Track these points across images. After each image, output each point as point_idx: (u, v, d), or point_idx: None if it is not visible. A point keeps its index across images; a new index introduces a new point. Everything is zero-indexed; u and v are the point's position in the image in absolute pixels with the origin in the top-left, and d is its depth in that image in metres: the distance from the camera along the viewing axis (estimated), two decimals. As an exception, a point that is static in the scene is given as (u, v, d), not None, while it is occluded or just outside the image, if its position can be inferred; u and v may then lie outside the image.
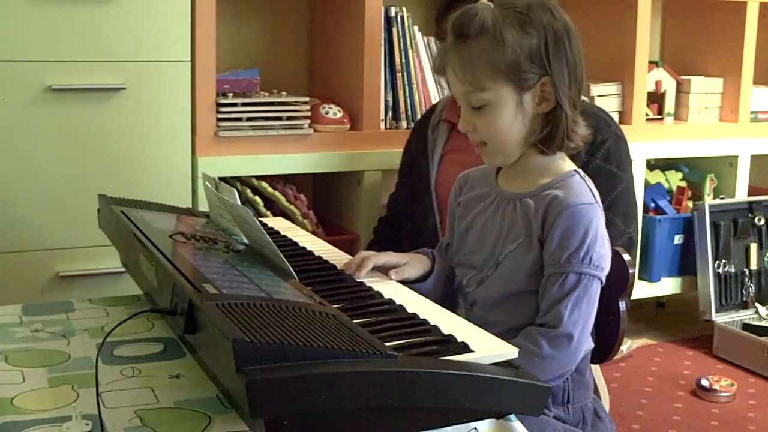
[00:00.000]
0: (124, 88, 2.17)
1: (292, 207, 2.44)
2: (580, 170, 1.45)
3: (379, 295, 1.35)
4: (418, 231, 2.07)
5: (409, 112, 2.60)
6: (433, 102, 2.50)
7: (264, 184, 2.42)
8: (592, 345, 1.43)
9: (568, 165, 1.46)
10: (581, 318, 1.36)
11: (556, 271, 1.37)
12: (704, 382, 2.66)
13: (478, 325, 1.22)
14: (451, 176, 1.98)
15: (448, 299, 1.50)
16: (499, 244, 1.45)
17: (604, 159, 1.85)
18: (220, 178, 1.91)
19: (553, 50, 1.38)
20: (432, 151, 2.09)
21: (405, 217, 2.17)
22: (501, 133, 1.41)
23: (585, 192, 1.40)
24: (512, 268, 1.43)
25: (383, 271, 1.48)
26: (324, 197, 2.70)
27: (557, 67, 1.38)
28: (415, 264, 1.53)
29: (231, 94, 2.34)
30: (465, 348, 1.11)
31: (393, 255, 1.52)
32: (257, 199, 2.41)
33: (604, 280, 1.40)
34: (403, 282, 1.47)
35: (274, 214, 2.38)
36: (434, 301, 1.35)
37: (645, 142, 2.92)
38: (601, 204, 1.42)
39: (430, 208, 2.06)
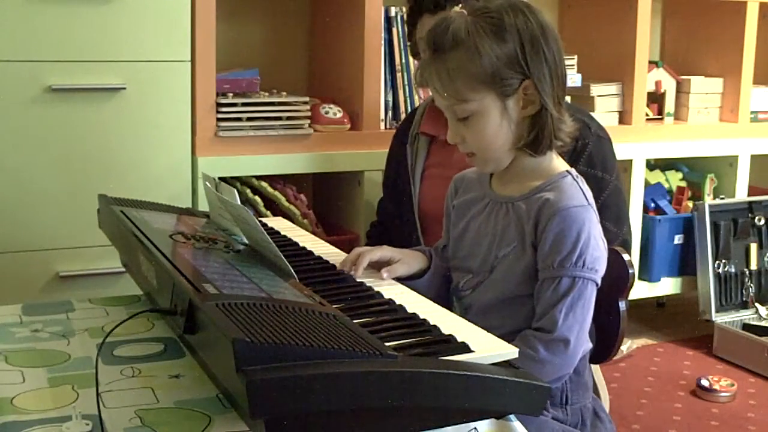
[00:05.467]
0: (124, 88, 2.17)
1: (292, 207, 2.44)
2: (572, 170, 1.45)
3: (379, 295, 1.35)
4: (405, 243, 2.04)
5: (409, 112, 2.60)
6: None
7: (264, 184, 2.42)
8: (591, 345, 1.43)
9: (560, 165, 1.45)
10: (576, 322, 1.36)
11: (550, 276, 1.37)
12: (704, 382, 2.66)
13: (477, 327, 1.21)
14: (433, 193, 1.97)
15: (444, 299, 1.49)
16: (493, 248, 1.44)
17: (588, 164, 1.82)
18: (220, 178, 1.91)
19: (531, 53, 1.36)
20: (412, 168, 2.05)
21: (392, 226, 2.14)
22: (489, 141, 1.40)
23: (576, 194, 1.40)
24: (506, 272, 1.42)
25: (379, 266, 1.48)
26: (324, 197, 2.70)
27: (537, 70, 1.37)
28: (409, 261, 1.53)
29: (231, 94, 2.34)
30: (465, 348, 1.11)
31: (388, 249, 1.52)
32: (257, 199, 2.41)
33: (599, 282, 1.39)
34: (398, 279, 1.47)
35: (274, 214, 2.38)
36: (431, 300, 1.35)
37: (645, 142, 2.93)
38: (594, 205, 1.42)
39: (413, 225, 2.04)
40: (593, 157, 1.83)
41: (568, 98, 1.95)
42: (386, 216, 2.19)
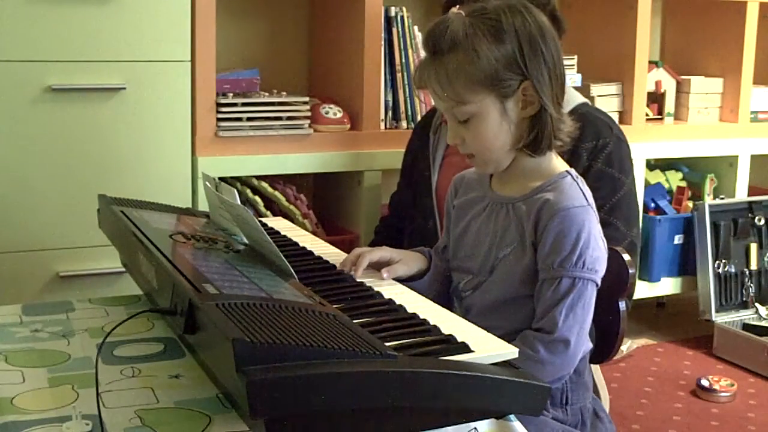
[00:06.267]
0: (124, 88, 2.17)
1: (292, 207, 2.44)
2: (572, 170, 1.45)
3: (379, 295, 1.35)
4: (419, 233, 2.06)
5: (409, 112, 2.60)
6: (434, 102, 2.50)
7: (264, 184, 2.42)
8: (591, 346, 1.43)
9: (560, 165, 1.45)
10: (577, 322, 1.36)
11: (550, 276, 1.37)
12: (704, 382, 2.66)
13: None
14: (452, 180, 1.99)
15: (444, 300, 1.49)
16: (494, 249, 1.44)
17: (606, 163, 1.84)
18: (220, 178, 1.91)
19: (529, 54, 1.36)
20: (433, 154, 2.08)
21: (406, 218, 2.16)
22: (489, 142, 1.40)
23: (576, 195, 1.40)
24: (507, 273, 1.42)
25: (379, 267, 1.48)
26: (324, 197, 2.70)
27: (536, 70, 1.37)
28: (409, 261, 1.53)
29: (231, 94, 2.35)
30: (465, 348, 1.11)
31: (388, 250, 1.52)
32: (257, 199, 2.41)
33: (599, 283, 1.39)
34: (397, 280, 1.47)
35: (274, 214, 2.38)
36: (431, 301, 1.35)
37: (645, 142, 2.93)
38: (594, 205, 1.41)
39: (430, 211, 2.05)
40: (612, 157, 1.85)
41: (586, 100, 1.96)
42: (401, 206, 2.20)
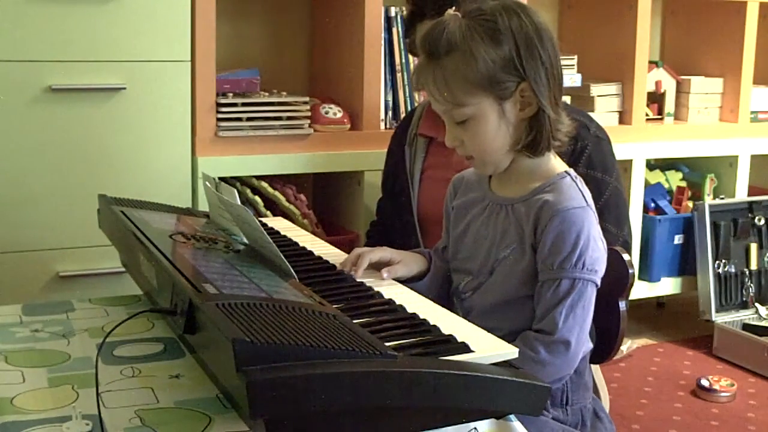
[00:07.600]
0: (124, 88, 2.17)
1: (292, 207, 2.44)
2: (571, 171, 1.44)
3: (379, 295, 1.35)
4: (403, 247, 2.03)
5: (408, 112, 2.60)
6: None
7: (264, 184, 2.42)
8: (591, 346, 1.43)
9: (559, 165, 1.45)
10: (577, 323, 1.36)
11: (550, 277, 1.36)
12: (704, 382, 2.66)
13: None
14: (432, 195, 1.96)
15: (444, 301, 1.49)
16: (493, 250, 1.44)
17: (588, 166, 1.82)
18: (220, 178, 1.91)
19: (526, 55, 1.36)
20: (411, 170, 2.04)
21: (391, 227, 2.14)
22: (487, 144, 1.40)
23: (576, 195, 1.39)
24: (506, 274, 1.42)
25: (379, 267, 1.48)
26: (324, 197, 2.70)
27: (533, 71, 1.36)
28: (409, 262, 1.53)
29: (231, 94, 2.34)
30: (465, 348, 1.11)
31: (388, 250, 1.52)
32: (257, 199, 2.41)
33: (599, 283, 1.39)
34: (397, 280, 1.47)
35: (274, 214, 2.38)
36: (432, 301, 1.35)
37: (645, 142, 2.93)
38: (593, 205, 1.41)
39: (412, 228, 2.02)
40: (593, 158, 1.83)
41: (567, 99, 1.95)
42: (386, 216, 2.18)
